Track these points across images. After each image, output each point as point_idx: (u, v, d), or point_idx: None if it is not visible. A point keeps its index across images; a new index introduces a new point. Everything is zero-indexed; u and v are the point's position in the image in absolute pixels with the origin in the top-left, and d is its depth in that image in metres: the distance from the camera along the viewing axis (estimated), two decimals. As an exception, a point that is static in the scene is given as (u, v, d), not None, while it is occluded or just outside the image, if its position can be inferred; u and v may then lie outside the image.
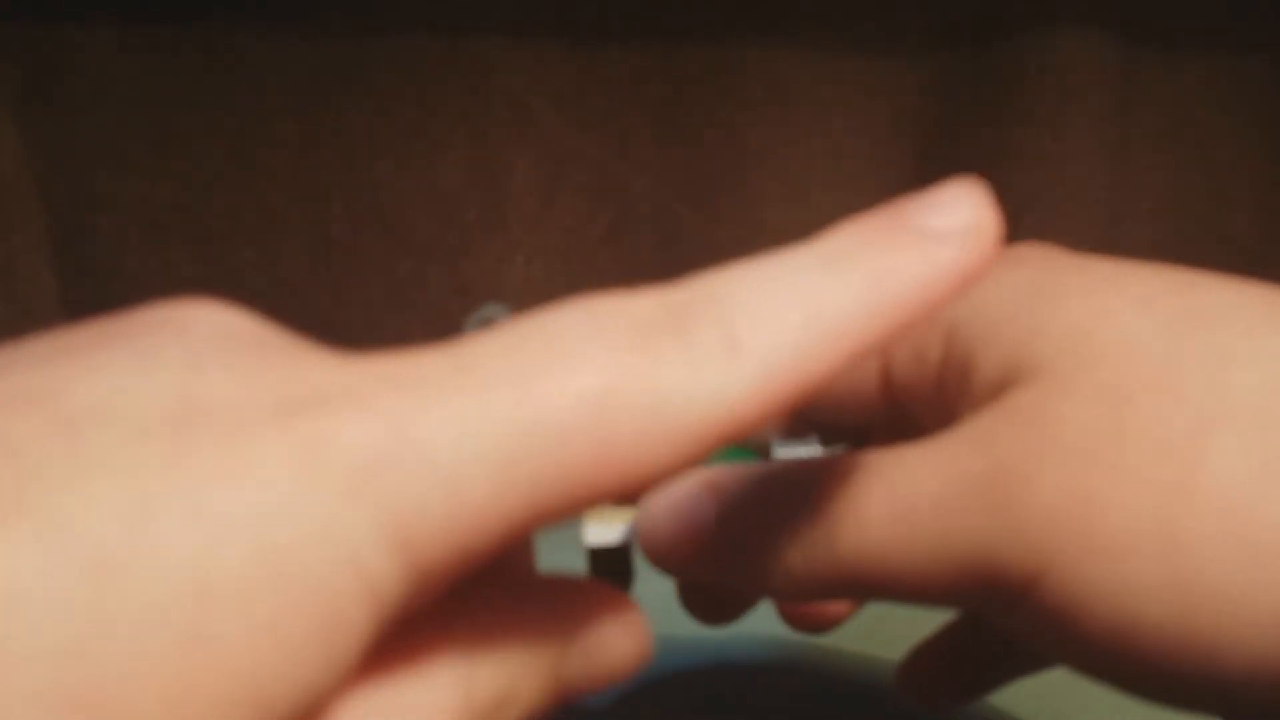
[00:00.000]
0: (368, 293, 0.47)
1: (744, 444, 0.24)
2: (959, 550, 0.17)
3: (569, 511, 0.13)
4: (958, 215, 0.15)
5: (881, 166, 0.46)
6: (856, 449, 0.24)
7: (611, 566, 0.23)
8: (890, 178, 0.47)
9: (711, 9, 0.43)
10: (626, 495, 0.14)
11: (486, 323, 0.22)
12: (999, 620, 0.18)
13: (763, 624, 0.29)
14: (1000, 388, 0.19)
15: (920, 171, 0.46)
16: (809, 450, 0.24)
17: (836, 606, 0.26)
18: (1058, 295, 0.19)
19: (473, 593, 0.15)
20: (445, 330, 0.47)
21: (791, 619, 0.26)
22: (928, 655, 0.27)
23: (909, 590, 0.18)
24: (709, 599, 0.25)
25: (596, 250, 0.47)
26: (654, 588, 0.24)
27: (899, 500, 0.18)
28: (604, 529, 0.22)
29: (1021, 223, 0.45)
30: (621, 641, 0.16)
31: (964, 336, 0.20)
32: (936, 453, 0.18)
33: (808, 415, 0.24)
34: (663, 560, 0.20)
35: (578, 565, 0.23)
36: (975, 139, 0.45)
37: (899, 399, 0.22)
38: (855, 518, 0.18)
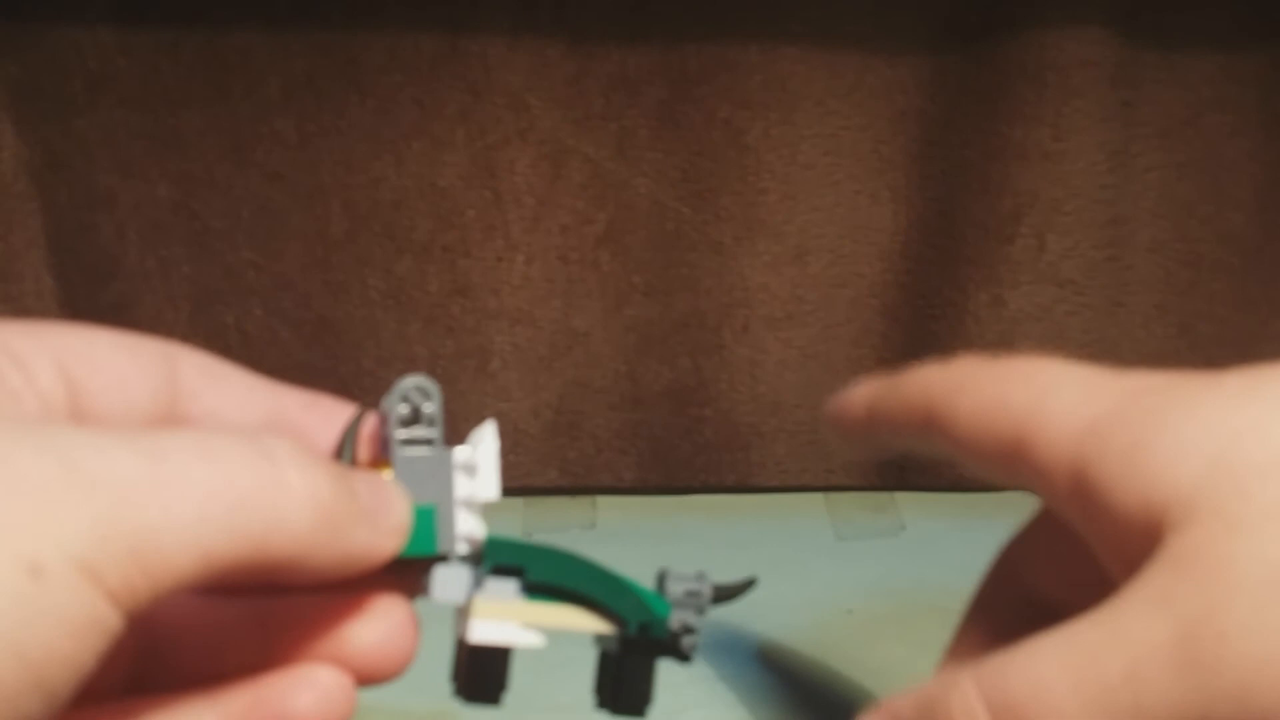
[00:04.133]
0: (367, 293, 0.47)
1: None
2: (1159, 717, 0.17)
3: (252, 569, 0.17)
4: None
5: (881, 166, 0.46)
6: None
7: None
8: (890, 178, 0.47)
9: (711, 9, 0.43)
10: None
11: (416, 392, 0.21)
12: None
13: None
14: (1153, 529, 0.18)
15: (920, 171, 0.46)
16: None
17: None
18: (1184, 410, 0.19)
19: None
20: (444, 330, 0.47)
21: None
22: None
23: None
24: None
25: (596, 250, 0.47)
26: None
27: (1088, 680, 0.17)
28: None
29: (1021, 223, 0.45)
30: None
31: (1092, 475, 0.19)
32: (1116, 622, 0.18)
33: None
34: None
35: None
36: (975, 139, 0.45)
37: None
38: (1038, 704, 0.18)
